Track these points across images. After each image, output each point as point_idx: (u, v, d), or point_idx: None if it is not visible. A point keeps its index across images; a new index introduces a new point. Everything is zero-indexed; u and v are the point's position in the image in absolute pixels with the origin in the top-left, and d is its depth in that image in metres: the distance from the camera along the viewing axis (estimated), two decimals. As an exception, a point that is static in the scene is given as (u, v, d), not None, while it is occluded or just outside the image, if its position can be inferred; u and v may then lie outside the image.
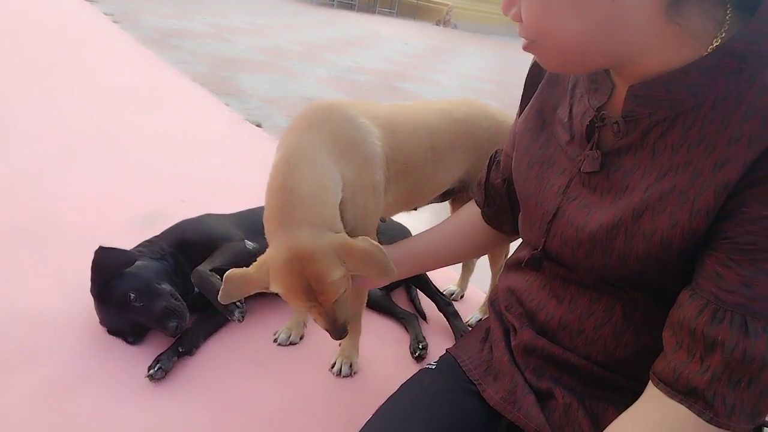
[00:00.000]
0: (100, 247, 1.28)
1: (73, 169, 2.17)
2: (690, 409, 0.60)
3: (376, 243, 0.93)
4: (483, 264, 1.58)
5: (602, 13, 0.58)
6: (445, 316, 1.54)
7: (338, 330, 0.98)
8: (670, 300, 0.66)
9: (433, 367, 0.94)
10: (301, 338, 1.39)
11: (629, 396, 0.68)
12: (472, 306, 1.66)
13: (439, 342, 1.47)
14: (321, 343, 1.38)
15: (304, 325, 1.41)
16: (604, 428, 0.67)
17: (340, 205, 0.99)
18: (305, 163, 0.97)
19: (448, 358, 0.95)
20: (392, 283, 1.64)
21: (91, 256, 1.26)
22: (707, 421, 0.59)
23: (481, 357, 0.90)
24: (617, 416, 0.67)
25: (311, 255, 0.89)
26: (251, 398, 1.19)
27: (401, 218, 1.52)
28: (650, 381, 0.65)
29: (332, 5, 17.52)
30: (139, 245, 1.42)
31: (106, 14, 6.45)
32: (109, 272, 1.27)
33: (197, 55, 5.24)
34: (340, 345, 1.31)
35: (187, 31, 6.65)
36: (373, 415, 0.86)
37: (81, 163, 2.25)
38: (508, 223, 1.00)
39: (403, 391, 0.90)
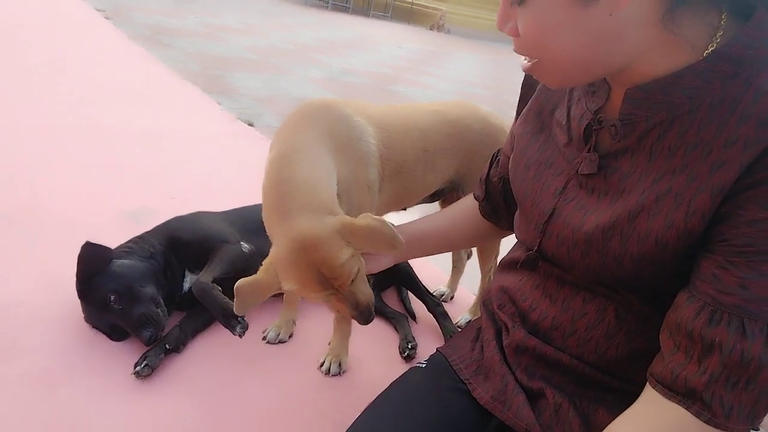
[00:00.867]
0: (87, 243, 1.26)
1: (62, 163, 2.14)
2: (688, 411, 0.60)
3: (379, 217, 0.91)
4: (473, 266, 1.58)
5: (599, 27, 0.59)
6: (434, 317, 1.54)
7: (364, 313, 0.93)
8: (664, 303, 0.67)
9: (423, 365, 0.93)
10: (290, 336, 1.38)
11: (620, 397, 0.68)
12: (462, 307, 1.66)
13: (428, 342, 1.46)
14: (310, 342, 1.37)
15: (294, 323, 1.40)
16: (594, 428, 0.67)
17: None
18: (301, 156, 0.96)
19: (438, 357, 0.94)
20: (383, 282, 1.64)
21: (78, 251, 1.24)
22: (705, 422, 0.59)
23: (471, 356, 0.89)
24: (608, 416, 0.67)
25: (314, 242, 0.87)
26: (239, 396, 1.17)
27: (391, 218, 1.52)
28: (648, 383, 0.65)
29: (326, 7, 17.50)
30: (129, 241, 1.39)
31: (98, 10, 6.39)
32: (92, 269, 1.25)
33: (189, 53, 5.20)
34: (329, 344, 1.30)
35: (179, 29, 6.60)
36: (362, 413, 0.86)
37: (70, 157, 2.22)
38: (504, 220, 1.01)
39: (393, 389, 0.90)
